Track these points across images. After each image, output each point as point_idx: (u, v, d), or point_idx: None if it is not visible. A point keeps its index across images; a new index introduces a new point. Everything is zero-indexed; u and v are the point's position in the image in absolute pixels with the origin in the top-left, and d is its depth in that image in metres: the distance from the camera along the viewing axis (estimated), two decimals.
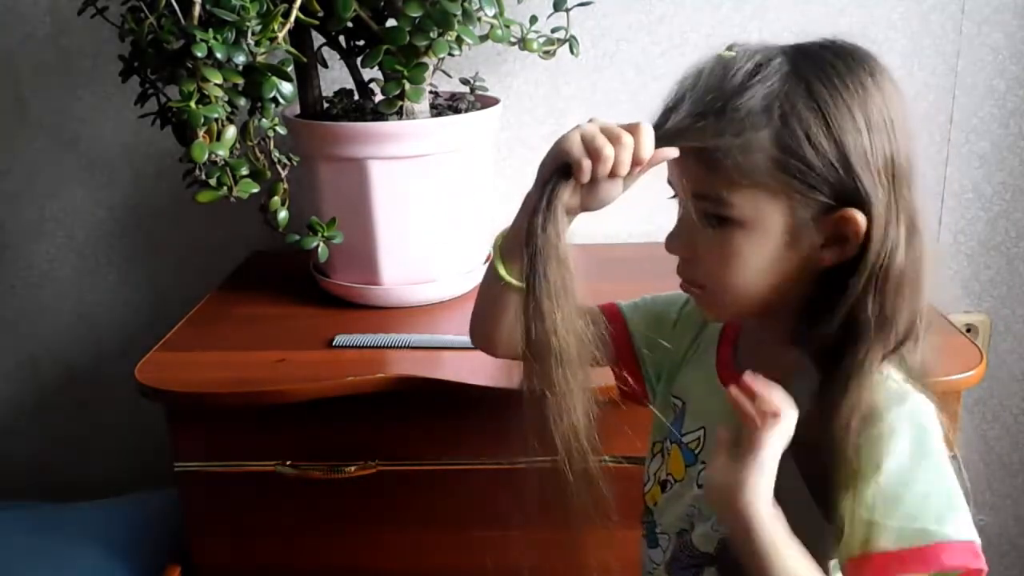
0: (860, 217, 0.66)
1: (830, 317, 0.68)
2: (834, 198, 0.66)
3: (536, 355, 0.69)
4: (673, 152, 0.68)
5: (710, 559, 0.76)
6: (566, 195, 0.68)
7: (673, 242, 0.73)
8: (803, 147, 0.65)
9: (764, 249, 0.68)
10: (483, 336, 0.85)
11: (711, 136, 0.66)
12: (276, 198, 1.07)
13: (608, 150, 0.66)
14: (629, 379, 0.84)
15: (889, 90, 0.69)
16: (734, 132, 0.65)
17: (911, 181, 0.69)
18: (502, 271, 0.76)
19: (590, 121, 0.69)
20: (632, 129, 0.67)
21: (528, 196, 0.72)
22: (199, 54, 0.90)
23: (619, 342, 0.86)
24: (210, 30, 0.92)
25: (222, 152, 0.97)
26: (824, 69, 0.68)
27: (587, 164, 0.67)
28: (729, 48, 0.72)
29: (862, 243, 0.67)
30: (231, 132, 0.98)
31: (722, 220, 0.68)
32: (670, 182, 0.73)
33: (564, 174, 0.68)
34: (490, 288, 0.81)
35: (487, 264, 0.81)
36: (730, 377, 0.78)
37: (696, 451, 0.79)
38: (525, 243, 0.68)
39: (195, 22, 0.93)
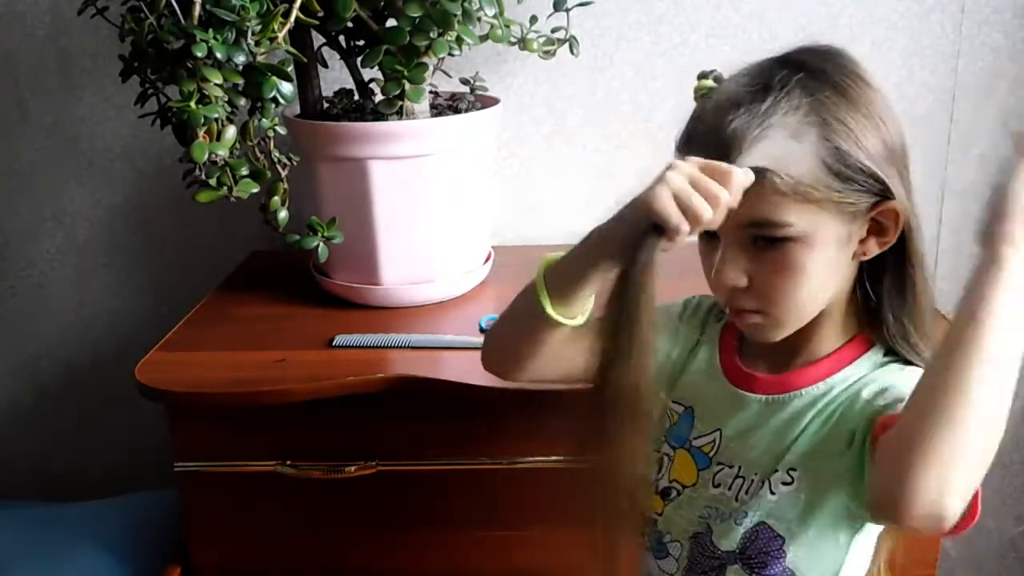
0: (900, 207, 0.69)
1: (890, 301, 0.73)
2: (875, 192, 0.69)
3: (605, 405, 0.67)
4: (749, 181, 0.65)
5: (734, 557, 0.76)
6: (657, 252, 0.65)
7: (725, 276, 0.71)
8: (849, 150, 0.67)
9: (824, 258, 0.70)
10: (507, 363, 0.83)
11: (757, 158, 0.66)
12: (276, 198, 1.07)
13: (707, 214, 0.63)
14: None
15: (876, 82, 0.72)
16: (778, 150, 0.66)
17: (908, 162, 0.73)
18: (548, 307, 0.74)
19: (671, 168, 0.64)
20: (723, 179, 0.63)
21: (599, 232, 0.70)
22: (199, 54, 0.90)
23: None
24: (210, 30, 0.92)
25: (222, 152, 0.97)
26: (828, 74, 0.70)
27: (685, 229, 0.63)
28: (703, 76, 0.73)
29: (901, 229, 0.70)
30: (231, 132, 0.98)
31: (777, 241, 0.69)
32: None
33: (659, 232, 0.64)
34: (527, 318, 0.77)
35: (524, 291, 0.78)
36: (739, 376, 0.79)
37: (710, 454, 0.79)
38: (617, 301, 0.65)
39: (195, 22, 0.93)
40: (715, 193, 0.63)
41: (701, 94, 0.73)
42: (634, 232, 0.65)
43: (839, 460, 0.70)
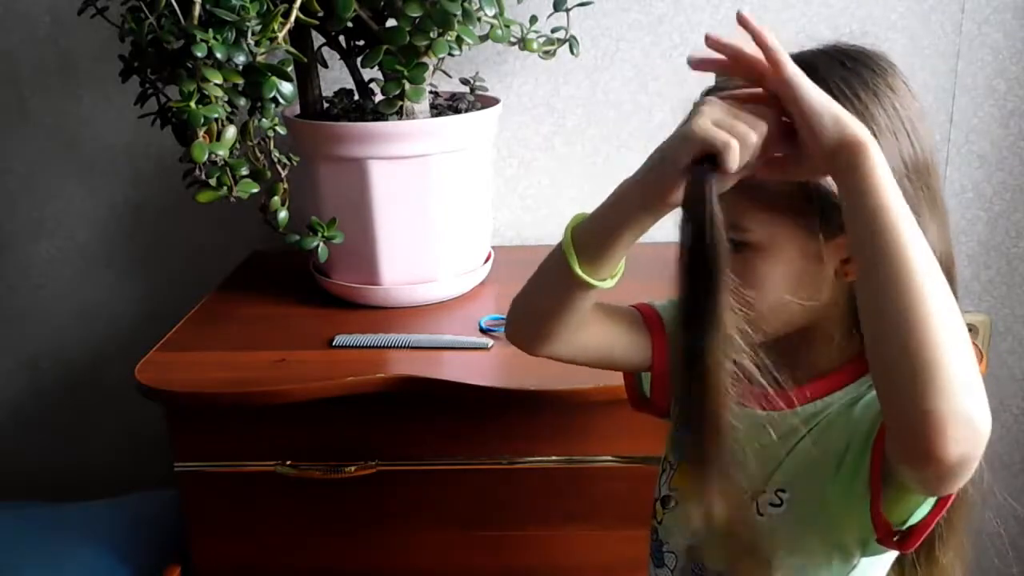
0: None
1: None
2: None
3: (698, 375, 0.63)
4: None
5: None
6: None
7: None
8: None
9: (785, 272, 0.67)
10: (532, 332, 0.78)
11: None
12: (276, 198, 1.07)
13: (753, 136, 0.60)
14: (653, 386, 0.83)
15: (901, 89, 0.67)
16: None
17: (935, 173, 0.68)
18: (575, 266, 0.69)
19: (704, 103, 0.62)
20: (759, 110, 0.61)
21: (629, 181, 0.66)
22: (199, 54, 0.91)
23: (657, 347, 0.81)
24: (210, 30, 0.92)
25: (222, 152, 0.97)
26: (831, 81, 0.65)
27: (735, 147, 0.59)
28: None
29: None
30: (231, 132, 0.98)
31: (740, 245, 0.66)
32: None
33: (712, 163, 0.60)
34: (553, 280, 0.73)
35: (552, 253, 0.73)
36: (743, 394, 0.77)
37: None
38: (692, 254, 0.61)
39: (195, 22, 0.93)
40: (753, 121, 0.60)
41: (720, 81, 0.71)
42: (673, 171, 0.61)
43: (829, 486, 0.67)
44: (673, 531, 0.80)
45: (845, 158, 0.58)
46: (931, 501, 0.63)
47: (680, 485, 0.80)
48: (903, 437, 0.56)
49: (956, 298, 0.71)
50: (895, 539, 0.65)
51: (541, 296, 0.76)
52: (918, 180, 0.67)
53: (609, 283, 0.71)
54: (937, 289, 0.56)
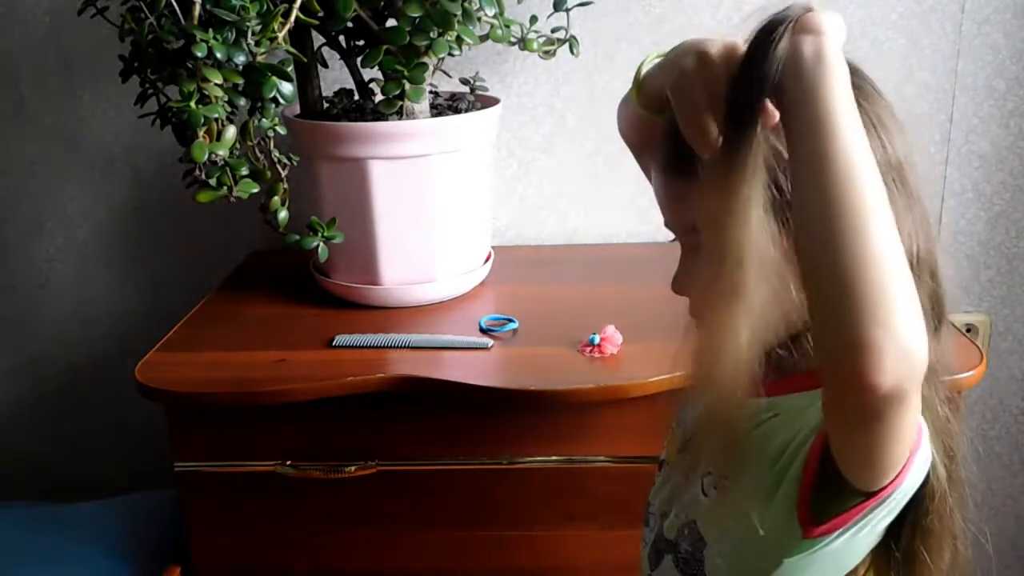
0: None
1: None
2: None
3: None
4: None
5: (670, 546, 0.76)
6: None
7: (676, 283, 0.71)
8: (786, 165, 0.62)
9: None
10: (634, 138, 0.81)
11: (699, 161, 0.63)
12: (276, 198, 1.07)
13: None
14: None
15: (866, 88, 0.68)
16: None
17: (911, 170, 0.68)
18: (633, 96, 0.72)
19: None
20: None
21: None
22: (199, 54, 0.91)
23: None
24: (210, 30, 0.92)
25: (222, 152, 0.97)
26: None
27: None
28: None
29: None
30: (231, 132, 0.98)
31: None
32: (668, 224, 0.72)
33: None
34: (626, 103, 0.77)
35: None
36: None
37: (687, 440, 0.79)
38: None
39: (195, 22, 0.93)
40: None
41: None
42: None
43: (762, 479, 0.66)
44: (657, 495, 0.81)
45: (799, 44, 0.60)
46: (859, 498, 0.62)
47: (668, 454, 0.81)
48: (833, 365, 0.54)
49: (947, 297, 0.71)
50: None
51: (625, 113, 0.78)
52: (888, 175, 0.66)
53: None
54: (874, 202, 0.54)
